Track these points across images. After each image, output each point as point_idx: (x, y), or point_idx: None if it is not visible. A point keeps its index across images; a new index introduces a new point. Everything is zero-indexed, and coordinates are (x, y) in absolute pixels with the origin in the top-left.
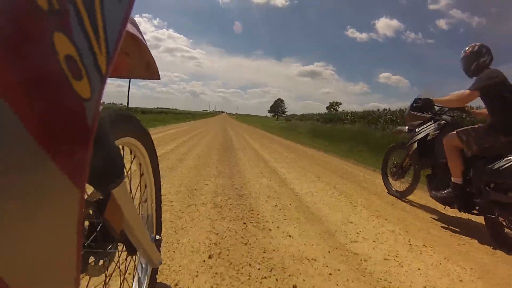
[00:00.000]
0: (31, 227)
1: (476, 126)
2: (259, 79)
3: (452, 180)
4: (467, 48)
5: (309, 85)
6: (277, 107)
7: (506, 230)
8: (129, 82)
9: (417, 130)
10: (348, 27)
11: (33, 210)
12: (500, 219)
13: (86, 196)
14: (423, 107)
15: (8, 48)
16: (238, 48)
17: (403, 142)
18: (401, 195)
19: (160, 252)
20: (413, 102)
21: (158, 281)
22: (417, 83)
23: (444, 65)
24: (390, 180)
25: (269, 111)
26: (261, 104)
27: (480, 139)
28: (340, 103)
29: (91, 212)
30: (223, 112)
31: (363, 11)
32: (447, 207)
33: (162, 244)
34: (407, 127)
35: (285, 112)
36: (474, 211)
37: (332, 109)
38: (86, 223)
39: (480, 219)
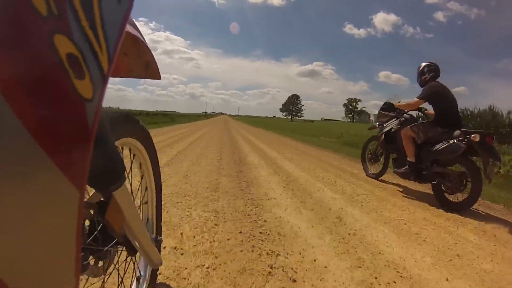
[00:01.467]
0: (31, 228)
1: (423, 122)
2: (258, 80)
3: (408, 159)
4: (419, 65)
5: (309, 85)
6: (292, 104)
7: (446, 195)
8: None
9: (384, 125)
10: (345, 23)
11: (33, 210)
12: (441, 185)
13: (87, 198)
14: (388, 109)
15: (9, 49)
16: (236, 49)
17: (374, 135)
18: (376, 176)
19: (160, 253)
20: (382, 105)
21: (160, 280)
22: (416, 81)
23: (443, 60)
24: (368, 165)
25: (282, 110)
26: (260, 105)
27: (425, 131)
28: (359, 100)
29: (92, 213)
30: (223, 114)
31: (360, 6)
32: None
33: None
34: (377, 123)
35: (301, 110)
36: (424, 181)
37: (350, 106)
38: (87, 223)
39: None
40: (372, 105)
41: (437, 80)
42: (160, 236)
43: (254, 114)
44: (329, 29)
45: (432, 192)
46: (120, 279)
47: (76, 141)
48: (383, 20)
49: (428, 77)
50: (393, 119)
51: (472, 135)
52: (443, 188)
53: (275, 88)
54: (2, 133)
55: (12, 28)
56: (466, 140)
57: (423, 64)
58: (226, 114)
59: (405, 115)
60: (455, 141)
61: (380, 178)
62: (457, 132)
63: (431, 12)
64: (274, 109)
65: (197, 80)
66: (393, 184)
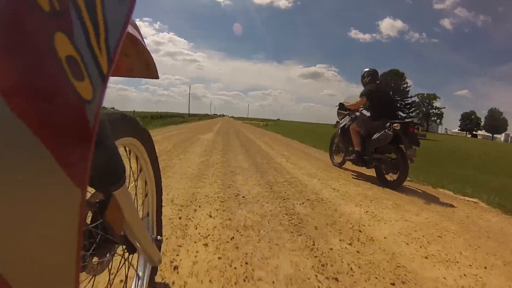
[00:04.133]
0: (32, 227)
1: (364, 117)
2: (260, 81)
3: (355, 149)
4: (362, 71)
5: (311, 87)
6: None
7: (386, 175)
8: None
9: (340, 122)
10: (351, 28)
11: (35, 210)
12: (381, 168)
13: (87, 197)
14: (341, 108)
15: (9, 48)
16: (239, 51)
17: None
18: (340, 165)
19: (160, 252)
20: (338, 104)
21: (160, 278)
22: (420, 84)
23: (448, 65)
24: (334, 156)
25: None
26: (262, 106)
27: (365, 124)
28: (437, 97)
29: (92, 213)
30: (225, 116)
31: (366, 11)
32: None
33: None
34: (337, 120)
35: (406, 94)
36: (368, 166)
37: (422, 105)
38: (87, 223)
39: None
40: None
41: (376, 82)
42: (161, 235)
43: (256, 116)
44: (334, 33)
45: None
46: (114, 278)
47: (77, 141)
48: (389, 26)
49: (367, 80)
50: (347, 117)
51: (394, 125)
52: (384, 171)
53: (277, 90)
54: (4, 134)
55: (13, 27)
56: (391, 129)
57: (365, 70)
58: (227, 115)
59: (356, 113)
60: (385, 131)
61: (343, 166)
62: (388, 124)
63: (438, 18)
64: (275, 111)
65: (199, 81)
66: (346, 169)
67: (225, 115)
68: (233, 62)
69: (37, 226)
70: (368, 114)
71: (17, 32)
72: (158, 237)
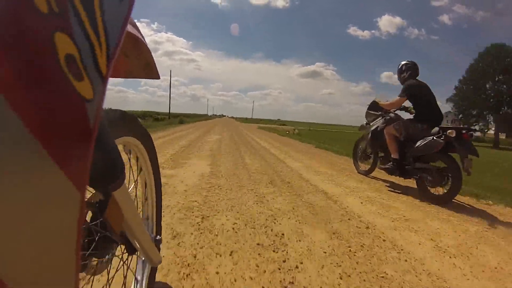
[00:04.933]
0: (31, 228)
1: (404, 119)
2: (259, 81)
3: (392, 157)
4: (398, 64)
5: (310, 86)
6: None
7: (428, 188)
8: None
9: (371, 124)
10: (350, 25)
11: (34, 210)
12: (424, 180)
13: (87, 197)
14: (372, 107)
15: (8, 48)
16: (238, 51)
17: (364, 135)
18: (366, 173)
19: (159, 252)
20: (369, 104)
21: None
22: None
23: (447, 61)
24: (359, 163)
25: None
26: (261, 106)
27: (406, 128)
28: None
29: (91, 212)
30: (224, 116)
31: (365, 8)
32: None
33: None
34: (365, 123)
35: None
36: (408, 176)
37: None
38: (87, 223)
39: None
40: None
41: (416, 78)
42: (160, 235)
43: (257, 117)
44: (332, 30)
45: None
46: (113, 277)
47: (77, 141)
48: (388, 22)
49: (407, 75)
50: (379, 118)
51: (449, 131)
52: (426, 182)
53: (277, 89)
54: (3, 133)
55: (12, 27)
56: (443, 136)
57: (402, 63)
58: (228, 116)
59: (390, 114)
60: (434, 137)
61: (371, 174)
62: (436, 129)
63: (436, 14)
64: (275, 110)
65: (198, 81)
66: (375, 178)
67: (225, 116)
68: (231, 62)
69: (36, 226)
70: (402, 115)
71: (16, 33)
72: (158, 236)
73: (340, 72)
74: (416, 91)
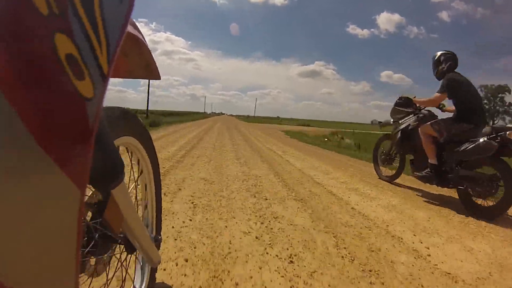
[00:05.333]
0: (31, 227)
1: (444, 118)
2: (259, 81)
3: (429, 161)
4: (433, 56)
5: (310, 85)
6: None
7: (474, 199)
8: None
9: (400, 122)
10: (348, 24)
11: (34, 210)
12: (469, 190)
13: (86, 198)
14: (404, 104)
15: (9, 48)
16: (237, 50)
17: (387, 134)
18: (390, 179)
19: (159, 251)
20: (397, 100)
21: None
22: (420, 81)
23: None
24: (380, 167)
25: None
26: (261, 105)
27: (449, 127)
28: (509, 88)
29: (90, 212)
30: (223, 114)
31: (364, 6)
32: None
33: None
34: (392, 120)
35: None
36: (449, 185)
37: (491, 98)
38: (86, 223)
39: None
40: (372, 106)
41: (455, 70)
42: (160, 235)
43: (252, 115)
44: (331, 29)
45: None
46: (119, 278)
47: (77, 140)
48: (387, 20)
49: (446, 67)
50: (410, 116)
51: (508, 132)
52: (471, 193)
53: (276, 89)
54: (3, 133)
55: (12, 27)
56: (499, 138)
57: (439, 53)
58: (226, 114)
59: (423, 110)
60: (486, 139)
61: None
62: (487, 128)
63: (435, 11)
64: (275, 109)
65: (197, 81)
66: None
67: (224, 113)
68: (230, 61)
69: (35, 226)
70: (432, 112)
71: (17, 33)
72: (158, 236)
73: (339, 71)
74: (459, 87)
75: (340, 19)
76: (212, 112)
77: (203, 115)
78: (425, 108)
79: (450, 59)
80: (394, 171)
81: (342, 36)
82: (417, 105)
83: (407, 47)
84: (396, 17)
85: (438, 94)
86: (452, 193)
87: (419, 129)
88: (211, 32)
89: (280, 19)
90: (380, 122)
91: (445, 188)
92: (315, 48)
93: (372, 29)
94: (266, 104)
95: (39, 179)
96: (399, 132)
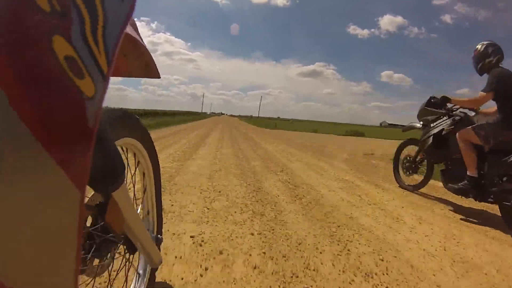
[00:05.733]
0: (31, 228)
1: (489, 122)
2: (259, 81)
3: (467, 173)
4: (477, 47)
5: (310, 85)
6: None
7: None
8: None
9: (432, 125)
10: (350, 24)
11: (34, 210)
12: None
13: (87, 199)
14: (441, 103)
15: (9, 47)
16: (237, 50)
17: (412, 138)
18: (414, 188)
19: (160, 253)
20: (430, 99)
21: (159, 279)
22: (420, 81)
23: (448, 62)
24: (402, 175)
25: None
26: (261, 105)
27: (497, 133)
28: None
29: (91, 214)
30: (223, 114)
31: (366, 7)
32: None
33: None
34: (421, 123)
35: None
36: (489, 200)
37: None
38: (87, 224)
39: None
40: (373, 107)
41: (500, 65)
42: (161, 235)
43: (253, 115)
44: (332, 29)
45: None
46: (119, 279)
47: (77, 141)
48: (389, 22)
49: (494, 60)
50: (444, 118)
51: None
52: None
53: (277, 89)
54: (4, 133)
55: (14, 26)
56: None
57: (485, 43)
58: (226, 114)
59: (457, 112)
60: None
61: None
62: None
63: (437, 14)
64: (275, 110)
65: (198, 81)
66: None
67: (224, 114)
68: (230, 62)
69: (35, 226)
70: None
71: (17, 32)
72: (159, 236)
73: (340, 71)
74: (509, 84)
75: (341, 20)
76: (212, 113)
77: (200, 116)
78: (460, 110)
79: (499, 51)
80: (419, 180)
81: (343, 37)
82: (453, 106)
83: (407, 47)
84: (399, 19)
85: (483, 94)
86: (476, 204)
87: (457, 134)
88: (211, 32)
89: (281, 20)
90: (390, 124)
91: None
92: (316, 49)
93: (373, 29)
94: (266, 105)
95: (39, 179)
96: (431, 138)
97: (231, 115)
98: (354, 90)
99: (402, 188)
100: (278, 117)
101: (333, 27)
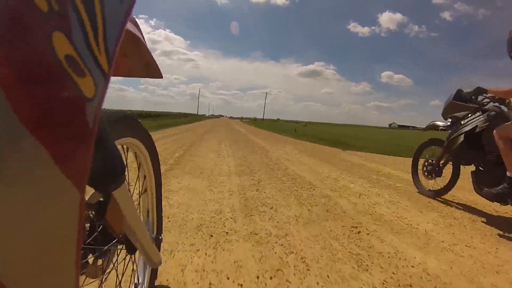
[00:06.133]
0: (31, 228)
1: None
2: (258, 80)
3: (508, 174)
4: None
5: (310, 85)
6: None
7: None
8: None
9: (462, 122)
10: (350, 22)
11: (34, 210)
12: None
13: (87, 198)
14: (475, 95)
15: (8, 46)
16: (237, 50)
17: (434, 138)
18: (436, 194)
19: (160, 253)
20: (458, 92)
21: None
22: (420, 82)
23: (448, 61)
24: (422, 178)
25: None
26: (261, 106)
27: None
28: None
29: (91, 213)
30: (222, 116)
31: (365, 5)
32: None
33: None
34: (449, 120)
35: None
36: None
37: None
38: (87, 224)
39: None
40: (372, 106)
41: None
42: (161, 235)
43: (251, 116)
44: (332, 29)
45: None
46: (119, 279)
47: (77, 140)
48: (388, 19)
49: None
50: (477, 114)
51: None
52: None
53: (277, 89)
54: (3, 133)
55: (12, 24)
56: None
57: None
58: (226, 116)
59: (491, 106)
60: None
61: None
62: None
63: (437, 12)
64: (274, 110)
65: (197, 80)
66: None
67: (223, 116)
68: (229, 61)
69: (35, 227)
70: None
71: (16, 30)
72: (159, 236)
73: (340, 71)
74: None
75: (341, 19)
76: (211, 114)
77: (193, 118)
78: (494, 104)
79: None
80: (442, 184)
81: (343, 36)
82: (483, 100)
83: (407, 46)
84: (398, 16)
85: None
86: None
87: (494, 131)
88: (212, 32)
89: (281, 19)
90: (400, 126)
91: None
92: (316, 48)
93: (373, 27)
94: (266, 105)
95: (39, 179)
96: (462, 136)
97: (231, 117)
98: (354, 90)
99: (421, 194)
100: (278, 119)
101: (333, 26)
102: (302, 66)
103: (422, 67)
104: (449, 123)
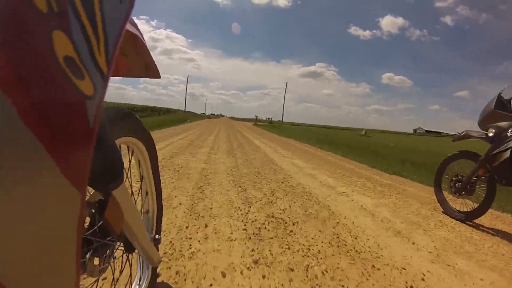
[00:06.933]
0: (31, 228)
1: None
2: (258, 81)
3: None
4: None
5: (310, 86)
6: None
7: None
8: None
9: (509, 134)
10: (351, 25)
11: (34, 210)
12: None
13: (87, 197)
14: (503, 107)
15: (8, 47)
16: (237, 50)
17: (465, 150)
18: (466, 217)
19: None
20: (499, 97)
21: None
22: (421, 84)
23: (449, 65)
24: (449, 197)
25: None
26: (261, 107)
27: None
28: None
29: (91, 213)
30: (223, 116)
31: (367, 9)
32: None
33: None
34: (491, 131)
35: None
36: None
37: None
38: (86, 223)
39: None
40: (372, 110)
41: None
42: (160, 235)
43: (250, 117)
44: (333, 30)
45: None
46: (118, 279)
47: (78, 139)
48: (390, 23)
49: None
50: None
51: None
52: None
53: (277, 89)
54: (3, 133)
55: (12, 24)
56: None
57: None
58: (226, 116)
59: None
60: None
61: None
62: None
63: (439, 16)
64: (274, 111)
65: (197, 80)
66: None
67: (224, 115)
68: (230, 61)
69: (36, 227)
70: None
71: (16, 31)
72: (157, 236)
73: (341, 73)
74: None
75: (342, 21)
76: (211, 114)
77: (184, 117)
78: None
79: None
80: (474, 205)
81: (344, 38)
82: None
83: (408, 49)
84: (400, 20)
85: None
86: None
87: None
88: (213, 32)
89: (283, 20)
90: (427, 131)
91: None
92: (317, 50)
93: (374, 31)
94: (266, 106)
95: (40, 179)
96: (508, 152)
97: (231, 117)
98: (355, 91)
99: (448, 216)
100: (279, 120)
101: (335, 28)
102: (303, 67)
103: (423, 70)
104: (487, 134)
